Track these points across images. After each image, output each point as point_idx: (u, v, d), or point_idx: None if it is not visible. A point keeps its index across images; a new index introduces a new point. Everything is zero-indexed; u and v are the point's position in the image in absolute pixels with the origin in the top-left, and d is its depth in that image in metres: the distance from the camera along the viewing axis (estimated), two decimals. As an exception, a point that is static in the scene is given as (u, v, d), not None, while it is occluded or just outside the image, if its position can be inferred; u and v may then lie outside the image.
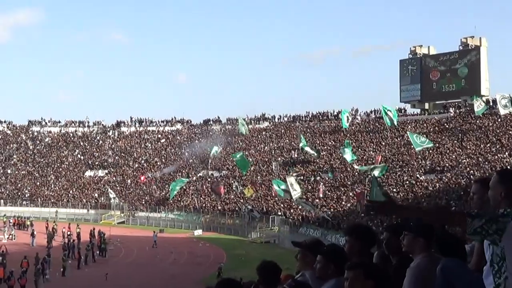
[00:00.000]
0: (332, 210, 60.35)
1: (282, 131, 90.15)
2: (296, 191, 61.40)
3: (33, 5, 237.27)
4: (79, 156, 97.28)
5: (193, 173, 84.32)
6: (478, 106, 71.56)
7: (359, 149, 74.26)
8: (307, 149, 75.51)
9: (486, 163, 59.49)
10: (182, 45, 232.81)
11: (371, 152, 72.50)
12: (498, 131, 67.47)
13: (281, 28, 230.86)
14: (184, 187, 78.35)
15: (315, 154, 75.03)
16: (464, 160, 62.97)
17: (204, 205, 73.87)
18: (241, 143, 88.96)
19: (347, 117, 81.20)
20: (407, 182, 61.81)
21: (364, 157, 71.58)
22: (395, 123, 76.45)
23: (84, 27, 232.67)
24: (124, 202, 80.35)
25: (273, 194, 67.74)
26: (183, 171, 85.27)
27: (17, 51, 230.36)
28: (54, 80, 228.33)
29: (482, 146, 64.81)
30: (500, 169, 4.94)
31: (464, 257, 5.51)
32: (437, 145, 69.35)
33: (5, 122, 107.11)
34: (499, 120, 70.08)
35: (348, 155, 68.55)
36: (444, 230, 6.19)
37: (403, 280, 5.45)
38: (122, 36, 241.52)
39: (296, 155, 79.94)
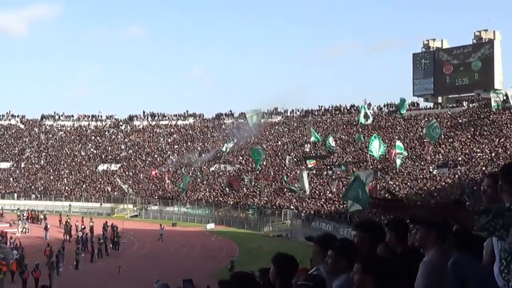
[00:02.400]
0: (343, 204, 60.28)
1: (295, 125, 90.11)
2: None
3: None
4: (92, 150, 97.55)
5: (205, 167, 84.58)
6: (495, 101, 71.29)
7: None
8: (330, 141, 75.31)
9: (500, 157, 59.24)
10: (196, 39, 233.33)
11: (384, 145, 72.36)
12: (511, 125, 67.15)
13: (296, 24, 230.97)
14: (198, 180, 78.74)
15: (335, 148, 74.89)
16: (478, 155, 62.73)
17: (216, 199, 74.02)
18: (253, 138, 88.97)
19: (365, 113, 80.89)
20: (420, 176, 61.67)
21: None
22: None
23: (102, 22, 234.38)
24: (136, 196, 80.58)
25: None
26: (195, 165, 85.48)
27: (33, 46, 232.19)
28: (68, 74, 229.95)
29: (496, 140, 64.51)
30: (504, 164, 4.93)
31: (479, 253, 5.52)
32: (450, 139, 69.27)
33: (18, 116, 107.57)
34: (512, 114, 69.85)
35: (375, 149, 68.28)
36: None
37: (405, 271, 5.49)
38: (140, 30, 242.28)
39: (308, 149, 79.92)
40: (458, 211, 4.37)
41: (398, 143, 65.97)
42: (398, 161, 64.29)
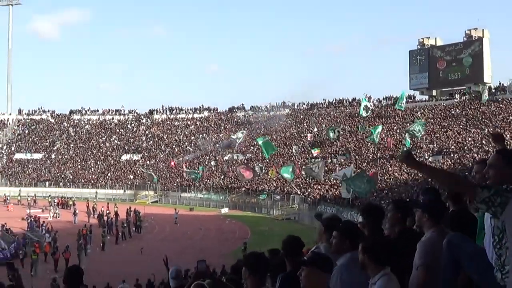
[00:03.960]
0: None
1: (301, 117, 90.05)
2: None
3: (81, 5, 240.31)
4: (115, 141, 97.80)
5: (219, 156, 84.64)
6: (486, 96, 71.27)
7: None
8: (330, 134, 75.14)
9: (490, 145, 59.07)
10: (212, 40, 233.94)
11: (383, 135, 72.21)
12: (500, 116, 67.06)
13: (304, 22, 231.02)
14: (213, 168, 78.59)
15: (334, 136, 74.68)
16: (469, 143, 62.70)
17: (230, 185, 74.15)
18: (263, 129, 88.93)
19: (366, 106, 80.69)
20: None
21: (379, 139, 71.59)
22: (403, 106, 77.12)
23: (126, 24, 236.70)
24: (157, 183, 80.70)
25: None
26: (210, 154, 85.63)
27: (63, 48, 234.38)
28: (94, 73, 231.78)
29: (486, 129, 64.32)
30: (502, 150, 4.88)
31: (472, 233, 5.51)
32: (444, 129, 69.19)
33: (48, 111, 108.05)
34: (501, 105, 69.76)
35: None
36: (460, 207, 6.23)
37: (403, 250, 5.52)
38: (162, 30, 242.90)
39: (313, 139, 79.79)
40: (461, 182, 4.39)
41: (407, 137, 65.26)
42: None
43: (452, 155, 61.41)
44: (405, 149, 48.32)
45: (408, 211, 6.42)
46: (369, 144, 70.12)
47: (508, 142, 58.14)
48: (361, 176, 48.30)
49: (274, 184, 69.46)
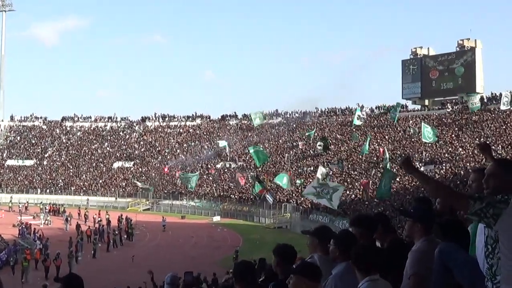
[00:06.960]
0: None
1: (294, 125, 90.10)
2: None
3: (80, 12, 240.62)
4: (108, 148, 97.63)
5: (211, 164, 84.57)
6: (472, 104, 71.42)
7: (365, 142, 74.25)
8: (319, 146, 74.81)
9: (481, 155, 59.12)
10: (209, 47, 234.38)
11: (376, 145, 72.28)
12: (491, 125, 67.27)
13: (300, 31, 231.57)
14: (204, 176, 78.43)
15: (322, 149, 74.37)
16: (461, 153, 62.83)
17: (222, 193, 74.05)
18: (255, 137, 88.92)
19: (359, 115, 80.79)
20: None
21: (369, 149, 71.52)
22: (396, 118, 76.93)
23: (124, 32, 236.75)
24: (149, 191, 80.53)
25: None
26: (202, 162, 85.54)
27: (58, 54, 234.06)
28: (87, 79, 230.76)
29: (477, 139, 64.48)
30: (501, 159, 4.88)
31: (466, 241, 5.51)
32: (436, 138, 69.34)
33: (41, 118, 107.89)
34: (492, 115, 69.99)
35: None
36: (452, 215, 6.23)
37: (394, 259, 5.54)
38: (160, 38, 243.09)
39: (304, 148, 79.69)
40: (453, 193, 4.37)
41: (386, 151, 64.76)
42: (387, 164, 63.69)
43: (444, 164, 61.54)
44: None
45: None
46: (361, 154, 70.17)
47: (500, 153, 58.35)
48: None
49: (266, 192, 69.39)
